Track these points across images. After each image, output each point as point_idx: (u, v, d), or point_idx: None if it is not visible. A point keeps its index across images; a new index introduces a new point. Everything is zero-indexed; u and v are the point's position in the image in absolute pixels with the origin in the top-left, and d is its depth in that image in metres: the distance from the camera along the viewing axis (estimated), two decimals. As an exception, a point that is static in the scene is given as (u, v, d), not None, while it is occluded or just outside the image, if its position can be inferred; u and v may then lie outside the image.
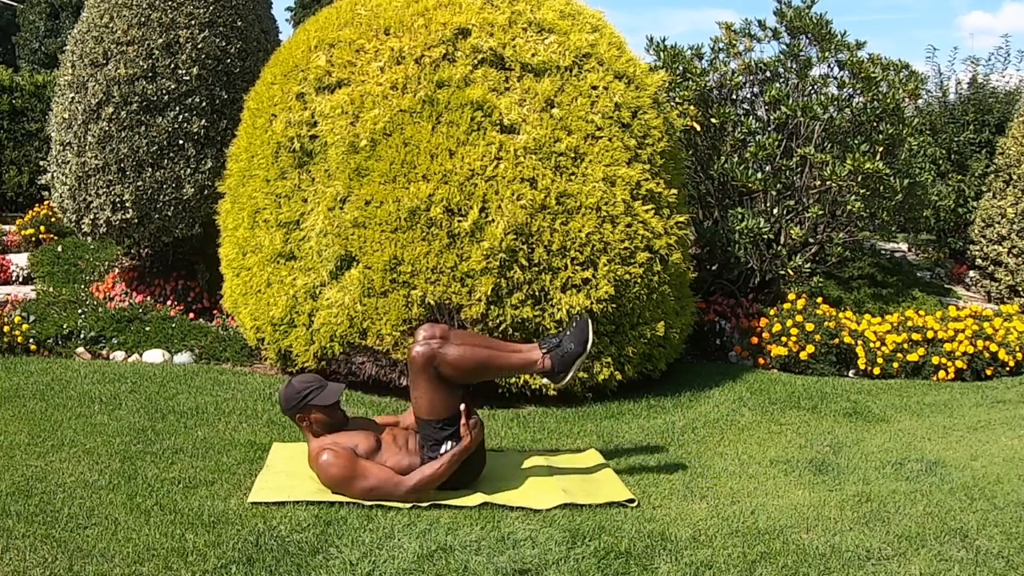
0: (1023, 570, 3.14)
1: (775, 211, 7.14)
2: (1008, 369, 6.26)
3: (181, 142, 6.25)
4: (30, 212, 8.94)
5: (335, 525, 3.24)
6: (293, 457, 3.88)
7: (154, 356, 5.60)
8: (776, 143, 6.86)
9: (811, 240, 7.39)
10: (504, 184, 4.73)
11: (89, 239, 6.67)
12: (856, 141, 6.86)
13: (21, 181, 10.31)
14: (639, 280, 4.99)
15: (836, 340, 6.08)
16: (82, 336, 5.72)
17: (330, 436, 3.57)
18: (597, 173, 4.92)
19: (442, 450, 3.55)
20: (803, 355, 5.98)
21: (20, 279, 7.74)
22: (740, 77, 7.35)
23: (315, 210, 4.99)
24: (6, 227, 9.01)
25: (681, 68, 7.20)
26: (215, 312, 6.32)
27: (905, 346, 6.16)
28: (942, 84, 10.29)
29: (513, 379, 4.83)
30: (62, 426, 4.16)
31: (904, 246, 10.57)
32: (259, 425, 4.37)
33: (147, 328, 5.87)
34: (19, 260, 7.93)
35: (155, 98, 6.20)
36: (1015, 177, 8.41)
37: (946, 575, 3.08)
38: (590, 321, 3.72)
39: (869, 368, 6.06)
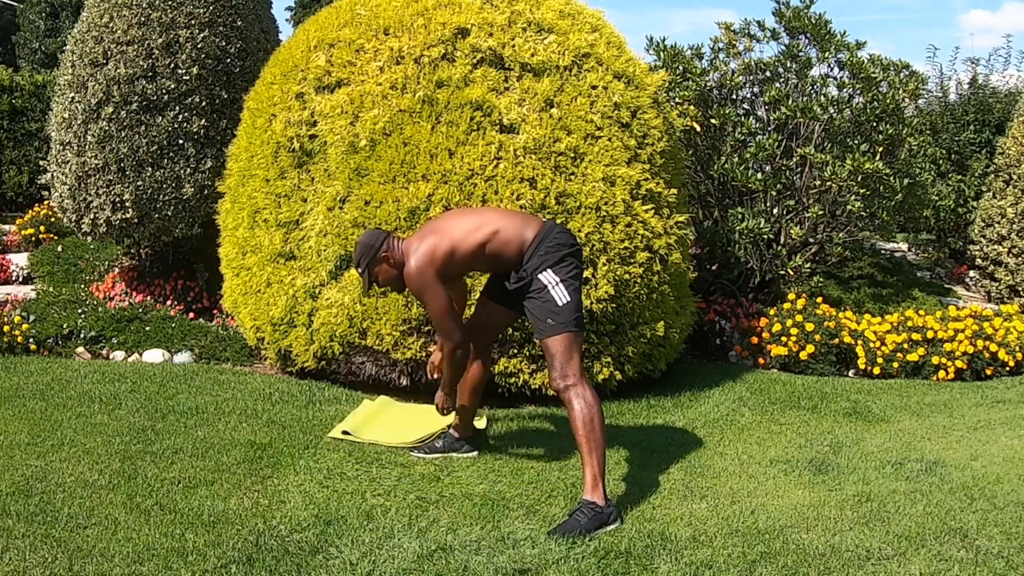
0: (1023, 570, 3.14)
1: (775, 211, 7.14)
2: (1008, 369, 6.26)
3: (181, 142, 6.25)
4: (30, 212, 8.93)
5: (335, 525, 3.24)
6: (376, 410, 4.61)
7: (154, 356, 5.60)
8: (776, 143, 6.85)
9: (811, 240, 7.39)
10: (504, 184, 4.73)
11: (89, 239, 6.66)
12: (856, 141, 6.86)
13: (21, 181, 10.31)
14: (639, 280, 4.99)
15: (836, 340, 6.08)
16: (82, 336, 5.72)
17: None
18: (597, 173, 4.91)
19: None
20: (803, 355, 5.98)
21: (20, 279, 7.73)
22: (740, 77, 7.35)
23: (315, 210, 4.99)
24: (6, 227, 9.01)
25: (681, 68, 7.20)
26: (215, 312, 6.31)
27: (905, 346, 6.16)
28: (943, 84, 10.30)
29: (512, 379, 4.83)
30: (62, 426, 4.16)
31: (904, 246, 10.56)
32: (259, 425, 4.37)
33: (147, 328, 5.86)
34: (19, 260, 7.92)
35: (155, 98, 6.20)
36: (1015, 177, 8.41)
37: (946, 575, 3.08)
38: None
39: (869, 368, 6.06)
